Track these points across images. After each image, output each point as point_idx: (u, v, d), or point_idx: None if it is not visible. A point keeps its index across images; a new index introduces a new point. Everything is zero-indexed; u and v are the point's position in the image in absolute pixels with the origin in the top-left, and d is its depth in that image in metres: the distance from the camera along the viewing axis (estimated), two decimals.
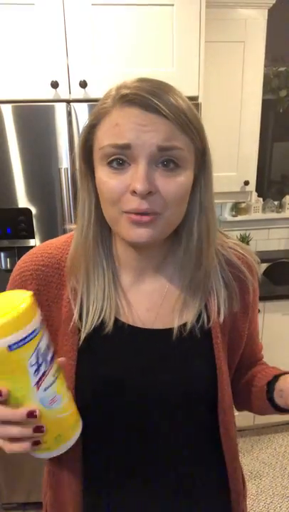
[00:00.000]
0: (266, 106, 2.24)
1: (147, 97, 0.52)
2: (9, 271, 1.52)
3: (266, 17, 1.87)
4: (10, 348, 0.42)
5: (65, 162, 1.49)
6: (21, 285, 0.65)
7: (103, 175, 0.56)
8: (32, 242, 1.56)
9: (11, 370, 0.45)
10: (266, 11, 1.86)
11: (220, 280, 0.65)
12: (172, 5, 1.51)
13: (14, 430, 0.47)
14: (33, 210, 1.53)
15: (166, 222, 0.57)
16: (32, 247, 1.55)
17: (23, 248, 1.55)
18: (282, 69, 2.36)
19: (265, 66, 2.03)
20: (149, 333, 0.64)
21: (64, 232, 1.57)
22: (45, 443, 0.50)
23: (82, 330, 0.62)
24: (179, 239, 0.64)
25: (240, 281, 0.67)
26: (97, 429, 0.64)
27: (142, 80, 0.55)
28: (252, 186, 2.10)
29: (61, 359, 0.54)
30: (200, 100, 1.60)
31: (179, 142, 0.54)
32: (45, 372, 0.47)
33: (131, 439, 0.66)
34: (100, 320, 0.63)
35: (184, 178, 0.56)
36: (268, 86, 2.31)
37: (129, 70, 1.53)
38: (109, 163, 0.55)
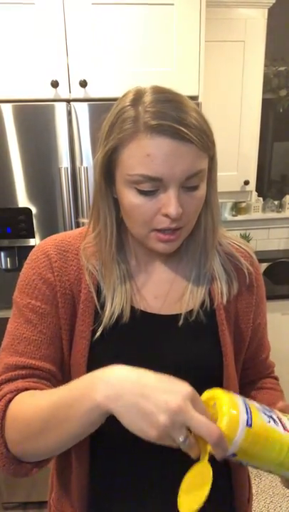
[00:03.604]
0: (266, 106, 2.24)
1: (178, 127, 0.53)
2: (9, 271, 1.51)
3: (266, 17, 1.87)
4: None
5: (65, 161, 1.49)
6: (47, 262, 0.67)
7: (132, 196, 0.59)
8: (32, 241, 1.55)
9: None
10: (266, 10, 1.86)
11: (220, 266, 0.71)
12: (172, 4, 1.51)
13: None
14: (33, 210, 1.53)
15: (186, 231, 0.64)
16: (32, 246, 1.56)
17: (23, 248, 1.54)
18: (282, 69, 2.36)
19: (265, 66, 2.03)
20: (157, 318, 0.69)
21: (64, 230, 1.57)
22: None
23: (103, 319, 0.65)
24: None
25: (236, 267, 0.72)
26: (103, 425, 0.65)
27: (161, 101, 0.55)
28: (252, 186, 2.10)
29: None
30: (200, 100, 1.60)
31: (202, 163, 0.58)
32: None
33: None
34: (121, 309, 0.67)
35: (202, 191, 0.61)
36: (268, 86, 2.31)
37: (129, 70, 1.54)
38: (138, 188, 0.58)
